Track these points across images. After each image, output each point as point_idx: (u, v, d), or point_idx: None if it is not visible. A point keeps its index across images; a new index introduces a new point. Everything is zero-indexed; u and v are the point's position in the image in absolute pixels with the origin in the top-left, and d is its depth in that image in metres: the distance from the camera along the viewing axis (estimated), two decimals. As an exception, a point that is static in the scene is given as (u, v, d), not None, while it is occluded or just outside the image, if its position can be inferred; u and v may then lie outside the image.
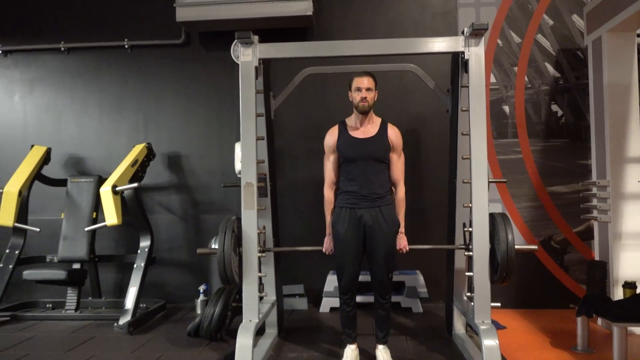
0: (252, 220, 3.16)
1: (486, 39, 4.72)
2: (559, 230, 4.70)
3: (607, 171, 3.98)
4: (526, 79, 4.80)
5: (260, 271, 3.28)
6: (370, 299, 3.69)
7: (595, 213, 4.14)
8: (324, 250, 3.30)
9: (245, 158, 3.21)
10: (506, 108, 4.82)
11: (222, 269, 3.01)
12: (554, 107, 4.79)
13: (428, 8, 4.95)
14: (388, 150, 3.16)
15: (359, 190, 3.11)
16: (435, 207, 4.70)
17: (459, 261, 3.66)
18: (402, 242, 3.20)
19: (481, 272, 3.09)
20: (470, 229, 3.13)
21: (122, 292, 5.06)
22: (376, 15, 4.98)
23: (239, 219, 3.21)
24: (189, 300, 4.94)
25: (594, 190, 4.13)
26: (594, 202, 4.14)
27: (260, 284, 3.24)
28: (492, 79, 4.82)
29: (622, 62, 3.95)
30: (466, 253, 3.27)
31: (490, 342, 2.94)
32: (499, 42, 4.81)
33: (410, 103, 4.86)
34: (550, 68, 4.79)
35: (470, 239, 3.18)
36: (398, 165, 3.19)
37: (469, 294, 3.18)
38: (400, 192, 3.21)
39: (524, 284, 4.63)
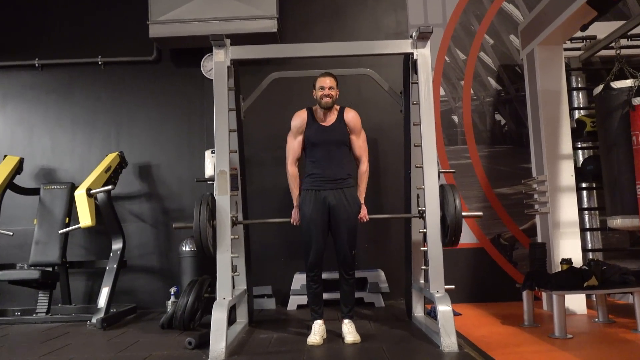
0: (225, 201, 3.41)
1: (435, 47, 5.21)
2: (506, 229, 5.12)
3: (544, 167, 4.43)
4: (472, 91, 5.30)
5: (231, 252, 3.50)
6: (335, 295, 3.97)
7: (536, 207, 4.56)
8: (291, 221, 3.58)
9: (219, 148, 3.48)
10: (455, 118, 5.29)
11: (197, 237, 3.25)
12: (498, 117, 5.29)
13: (382, 29, 5.44)
14: (346, 134, 3.52)
15: (322, 172, 3.44)
16: (394, 192, 5.02)
17: (415, 233, 3.97)
18: (363, 212, 3.51)
19: (434, 237, 3.40)
20: (424, 208, 3.47)
21: (91, 300, 5.13)
22: (334, 33, 5.42)
23: (212, 195, 3.47)
24: (159, 305, 5.05)
25: (535, 185, 4.57)
26: (535, 197, 4.57)
27: (232, 264, 3.47)
28: (442, 92, 5.30)
29: (552, 71, 4.46)
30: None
31: (444, 307, 3.24)
32: (447, 59, 5.32)
33: (368, 107, 5.10)
34: (492, 82, 5.31)
35: (424, 212, 3.49)
36: (358, 143, 3.55)
37: (424, 267, 3.49)
38: (363, 166, 3.56)
39: (477, 280, 5.00)
